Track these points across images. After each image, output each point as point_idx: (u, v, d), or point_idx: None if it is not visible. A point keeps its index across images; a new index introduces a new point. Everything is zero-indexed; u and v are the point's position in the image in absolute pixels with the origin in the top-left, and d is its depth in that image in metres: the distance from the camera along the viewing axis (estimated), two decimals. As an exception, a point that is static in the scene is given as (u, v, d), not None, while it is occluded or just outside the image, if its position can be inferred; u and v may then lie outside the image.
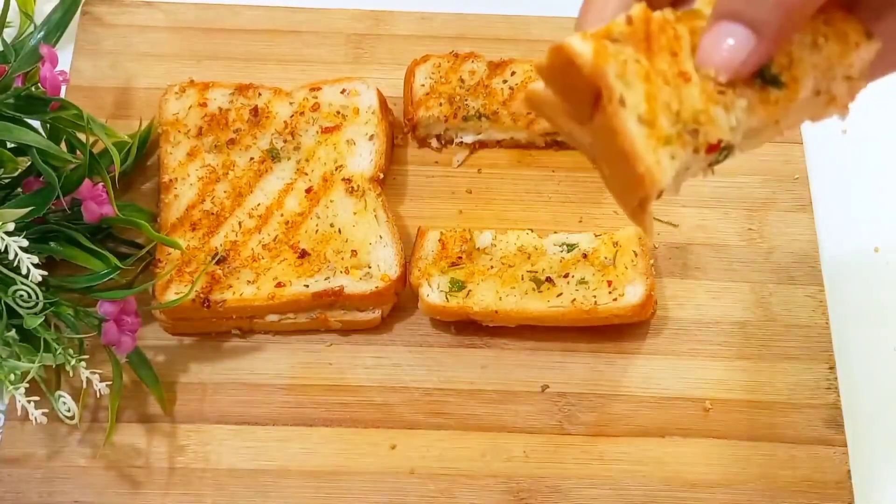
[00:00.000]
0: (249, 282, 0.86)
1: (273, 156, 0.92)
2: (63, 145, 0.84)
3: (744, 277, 0.91)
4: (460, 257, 0.88)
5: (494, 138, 0.97)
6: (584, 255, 0.88)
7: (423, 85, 0.96)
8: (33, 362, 0.77)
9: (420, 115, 0.94)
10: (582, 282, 0.86)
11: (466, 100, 0.95)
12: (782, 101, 0.52)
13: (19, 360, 0.77)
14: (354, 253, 0.87)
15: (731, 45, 0.48)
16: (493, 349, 0.87)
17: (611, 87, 0.49)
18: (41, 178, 0.81)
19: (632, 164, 0.49)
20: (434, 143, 0.97)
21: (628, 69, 0.49)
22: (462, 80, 0.96)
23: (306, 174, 0.91)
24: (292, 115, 0.93)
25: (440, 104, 0.95)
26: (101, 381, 0.78)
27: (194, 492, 0.81)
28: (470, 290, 0.85)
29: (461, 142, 0.97)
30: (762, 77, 0.51)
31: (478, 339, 0.87)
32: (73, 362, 0.78)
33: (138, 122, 0.94)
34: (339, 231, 0.88)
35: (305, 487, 0.82)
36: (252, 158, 0.92)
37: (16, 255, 0.73)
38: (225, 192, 0.90)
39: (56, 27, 0.98)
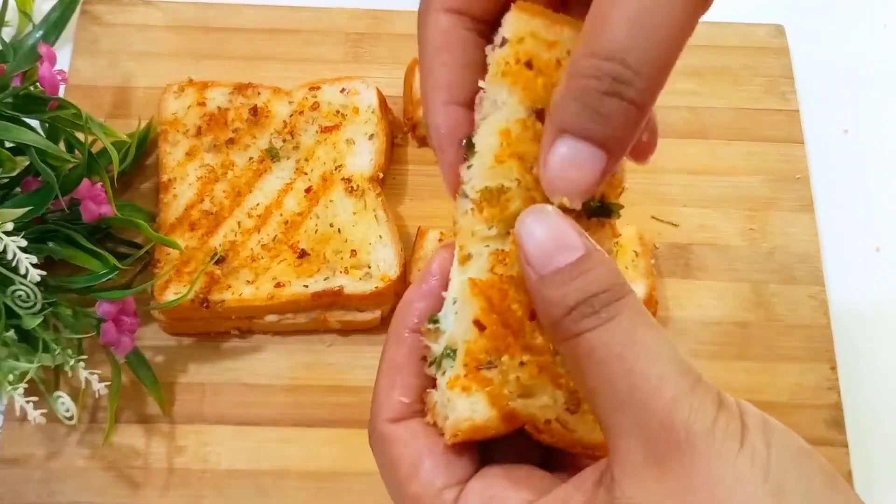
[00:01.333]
0: (248, 282, 0.85)
1: (272, 155, 0.91)
2: (62, 145, 0.83)
3: (745, 277, 0.91)
4: (460, 257, 0.87)
5: None
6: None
7: None
8: (32, 362, 0.76)
9: (420, 115, 0.94)
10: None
11: None
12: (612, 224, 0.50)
13: (18, 360, 0.77)
14: (354, 253, 0.87)
15: (580, 165, 0.45)
16: (494, 349, 0.87)
17: (531, 417, 0.48)
18: (40, 178, 0.81)
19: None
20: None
21: (526, 380, 0.48)
22: None
23: (306, 174, 0.91)
24: (291, 115, 0.93)
25: None
26: (99, 382, 0.77)
27: (193, 493, 0.81)
28: (470, 290, 0.85)
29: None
30: (590, 210, 0.48)
31: (478, 340, 0.87)
32: (71, 363, 0.77)
33: (137, 122, 0.94)
34: (339, 231, 0.88)
35: (305, 488, 0.82)
36: (251, 158, 0.91)
37: (14, 255, 0.73)
38: (224, 191, 0.90)
39: (54, 26, 0.97)
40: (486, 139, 0.48)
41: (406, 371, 0.51)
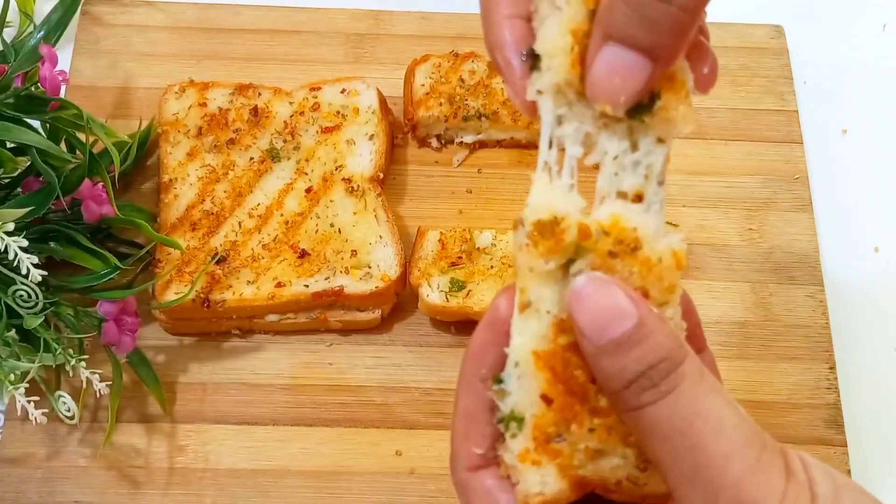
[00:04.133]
0: (249, 282, 0.86)
1: (273, 156, 0.92)
2: (63, 145, 0.83)
3: (744, 277, 0.91)
4: (460, 257, 0.88)
5: (494, 138, 0.96)
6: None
7: (423, 85, 0.95)
8: (33, 362, 0.76)
9: (420, 115, 0.94)
10: (582, 282, 0.85)
11: (467, 99, 0.95)
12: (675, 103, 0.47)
13: (19, 359, 0.77)
14: (354, 253, 0.87)
15: (625, 73, 0.44)
16: (493, 349, 0.87)
17: (602, 480, 0.48)
18: (41, 178, 0.81)
19: None
20: (434, 142, 0.97)
21: (595, 445, 0.47)
22: (462, 80, 0.96)
23: (306, 174, 0.91)
24: (292, 115, 0.93)
25: (440, 104, 0.94)
26: (100, 381, 0.78)
27: (194, 492, 0.81)
28: (470, 290, 0.85)
29: (461, 142, 0.96)
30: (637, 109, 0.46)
31: (478, 339, 0.87)
32: (72, 362, 0.77)
33: (138, 122, 0.94)
34: (339, 231, 0.88)
35: (305, 487, 0.82)
36: (252, 158, 0.92)
37: (15, 255, 0.73)
38: (225, 192, 0.90)
39: (56, 27, 0.98)
40: (551, 41, 0.46)
41: (478, 420, 0.50)
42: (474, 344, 0.50)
